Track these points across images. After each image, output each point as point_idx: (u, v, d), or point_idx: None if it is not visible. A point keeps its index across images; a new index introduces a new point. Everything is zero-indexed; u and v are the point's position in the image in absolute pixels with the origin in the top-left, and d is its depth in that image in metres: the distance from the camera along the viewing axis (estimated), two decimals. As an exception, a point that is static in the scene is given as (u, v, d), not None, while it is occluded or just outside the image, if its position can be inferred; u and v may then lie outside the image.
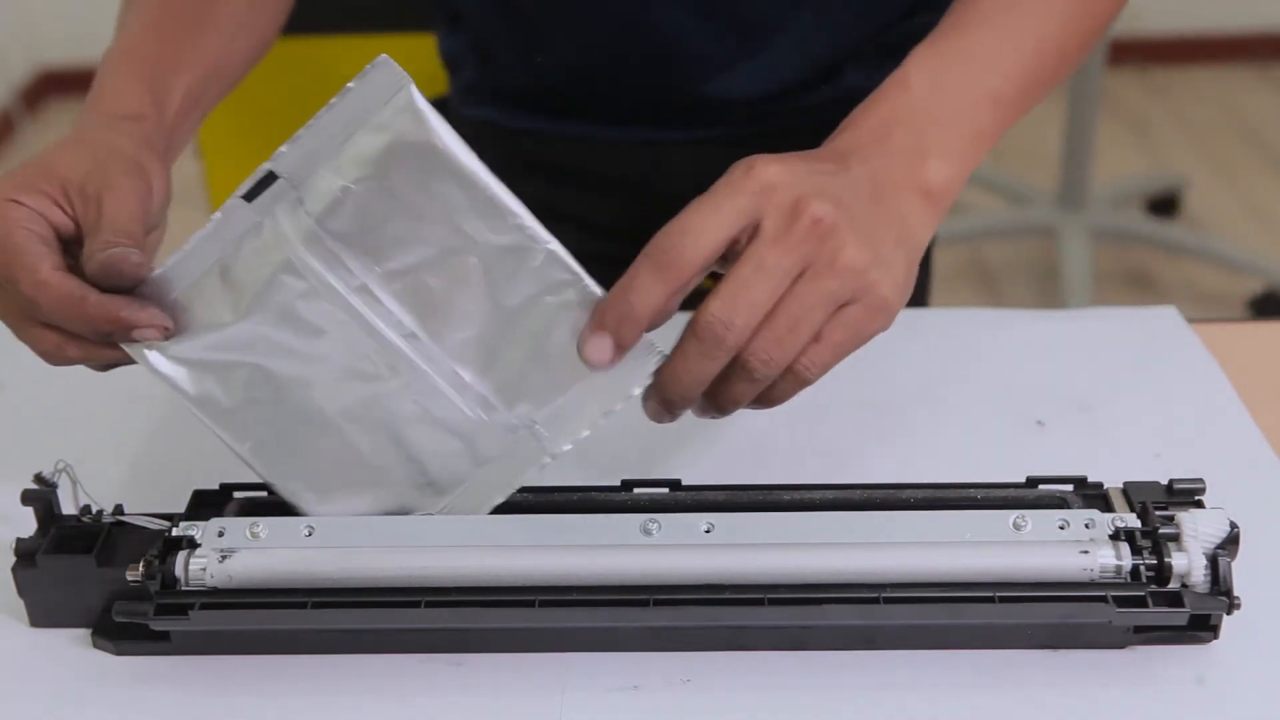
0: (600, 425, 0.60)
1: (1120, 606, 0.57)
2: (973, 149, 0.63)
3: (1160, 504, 0.61)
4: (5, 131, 3.31)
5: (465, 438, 0.61)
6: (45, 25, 3.44)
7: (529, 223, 0.58)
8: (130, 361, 0.61)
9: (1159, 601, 0.58)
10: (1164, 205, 2.70)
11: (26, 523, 0.62)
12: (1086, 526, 0.60)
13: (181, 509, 0.63)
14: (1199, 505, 0.61)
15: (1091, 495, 0.64)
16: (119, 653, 0.61)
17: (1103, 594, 0.58)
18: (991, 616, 0.58)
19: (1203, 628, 0.59)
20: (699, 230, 0.56)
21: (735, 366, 0.57)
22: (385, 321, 0.60)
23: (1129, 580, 0.58)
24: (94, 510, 0.63)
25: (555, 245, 0.59)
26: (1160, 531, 0.59)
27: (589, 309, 0.59)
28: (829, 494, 0.64)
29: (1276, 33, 3.35)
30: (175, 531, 0.61)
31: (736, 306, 0.55)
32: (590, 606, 0.59)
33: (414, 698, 0.58)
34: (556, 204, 0.95)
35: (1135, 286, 2.50)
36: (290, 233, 0.59)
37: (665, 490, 0.64)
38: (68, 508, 0.63)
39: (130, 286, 0.59)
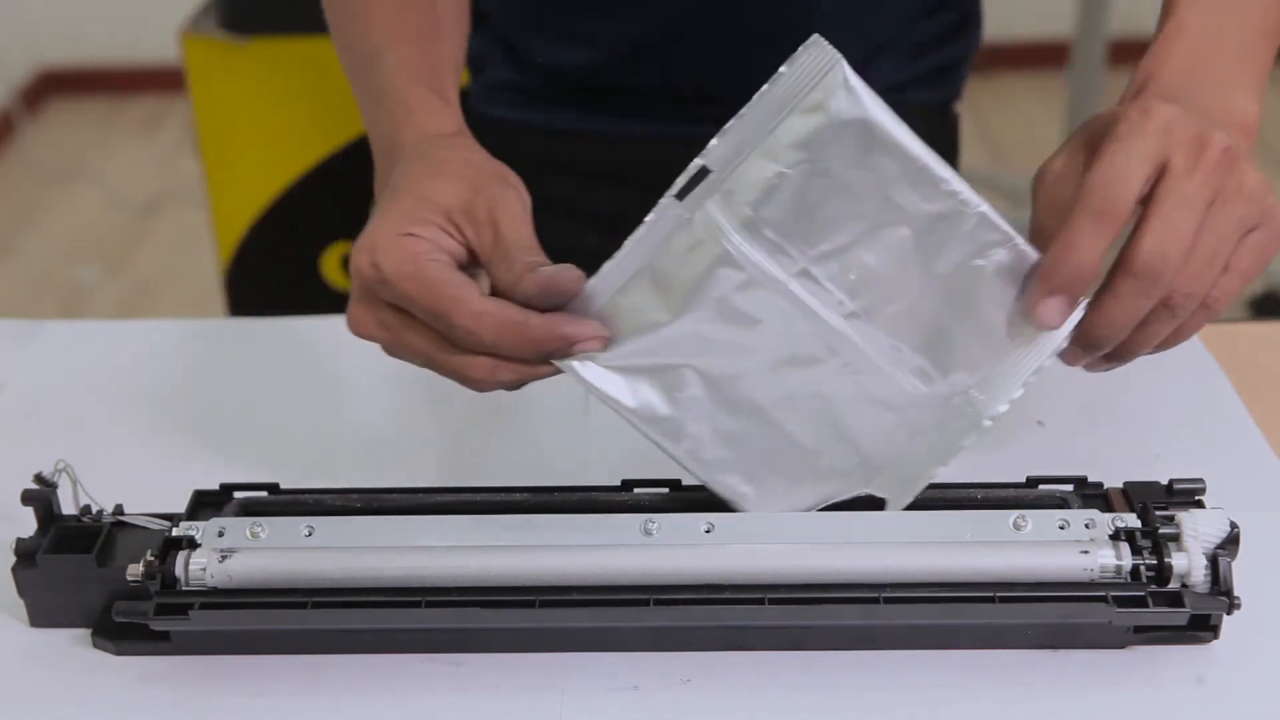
0: (1032, 383, 0.60)
1: (1120, 606, 0.57)
2: (1260, 82, 0.65)
3: (1160, 504, 0.61)
4: (5, 131, 3.31)
5: (901, 412, 0.61)
6: (45, 25, 3.44)
7: (959, 187, 0.58)
8: (554, 373, 0.59)
9: (1159, 601, 0.58)
10: (1164, 205, 2.70)
11: (26, 523, 0.62)
12: (1086, 526, 0.60)
13: (181, 509, 0.63)
14: (1199, 505, 0.61)
15: (1091, 495, 0.64)
16: (119, 653, 0.61)
17: (1103, 594, 0.58)
18: (991, 616, 0.58)
19: (1203, 628, 0.59)
20: (1125, 177, 0.56)
21: (1157, 304, 0.57)
22: (825, 303, 0.59)
23: (1129, 580, 0.58)
24: (94, 510, 0.63)
25: (986, 207, 0.58)
26: (1160, 531, 0.59)
27: (1020, 268, 0.58)
28: (829, 494, 0.64)
29: (1276, 33, 3.34)
30: (175, 531, 0.61)
31: (1168, 241, 0.56)
32: (590, 606, 0.59)
33: (414, 698, 0.58)
34: (584, 204, 0.95)
35: (1135, 286, 2.50)
36: (725, 225, 0.58)
37: (665, 490, 0.64)
38: (68, 508, 0.63)
39: (566, 302, 0.58)
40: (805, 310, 0.59)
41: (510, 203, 0.60)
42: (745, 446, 0.61)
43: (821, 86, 0.57)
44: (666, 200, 0.58)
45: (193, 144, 1.87)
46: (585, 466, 0.73)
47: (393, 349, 0.61)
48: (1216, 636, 0.59)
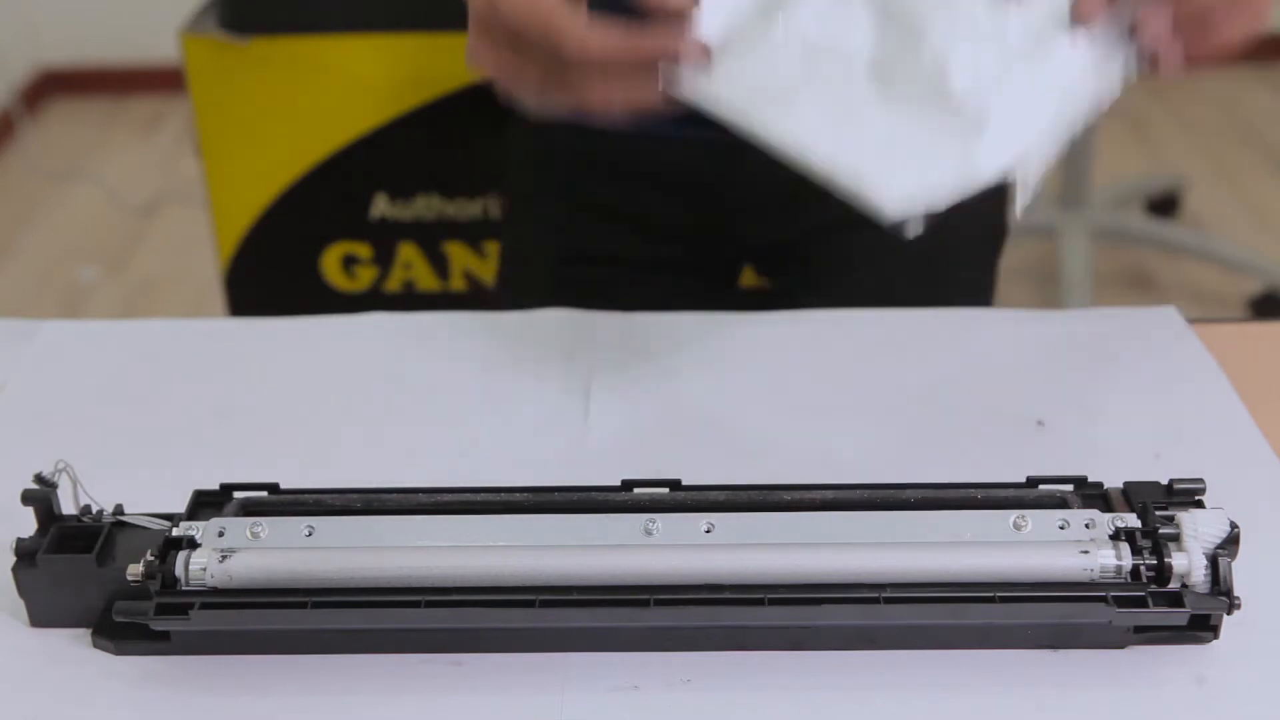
0: None
1: (1120, 606, 0.57)
2: None
3: (1160, 504, 0.61)
4: (5, 131, 3.31)
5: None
6: (45, 25, 3.44)
7: None
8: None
9: (1159, 601, 0.58)
10: (1164, 205, 2.70)
11: (26, 523, 0.62)
12: (1086, 526, 0.60)
13: (181, 509, 0.63)
14: (1199, 505, 0.61)
15: (1091, 495, 0.64)
16: (119, 653, 0.61)
17: (1103, 594, 0.58)
18: (992, 616, 0.58)
19: (1203, 628, 0.59)
20: None
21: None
22: None
23: (1129, 580, 0.58)
24: (94, 510, 0.63)
25: None
26: (1160, 531, 0.59)
27: None
28: (829, 494, 0.64)
29: (1276, 33, 3.35)
30: (175, 531, 0.61)
31: None
32: (590, 606, 0.59)
33: (414, 698, 0.58)
34: (620, 204, 0.94)
35: (1135, 286, 2.50)
36: None
37: (665, 490, 0.64)
38: (68, 508, 0.63)
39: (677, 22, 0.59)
40: None
41: None
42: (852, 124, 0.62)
43: None
44: None
45: (193, 144, 1.87)
46: (585, 466, 0.73)
47: (509, 79, 0.62)
48: (1216, 636, 0.59)
